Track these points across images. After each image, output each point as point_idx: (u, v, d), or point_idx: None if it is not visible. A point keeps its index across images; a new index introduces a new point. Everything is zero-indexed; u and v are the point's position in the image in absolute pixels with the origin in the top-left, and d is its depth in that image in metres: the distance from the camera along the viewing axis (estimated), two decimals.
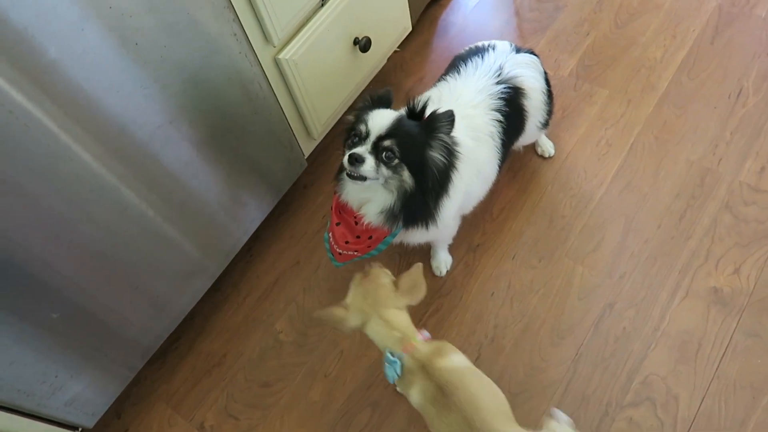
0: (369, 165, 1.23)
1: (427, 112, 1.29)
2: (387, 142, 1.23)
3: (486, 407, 1.10)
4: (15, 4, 0.93)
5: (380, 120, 1.25)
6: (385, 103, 1.33)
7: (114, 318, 1.42)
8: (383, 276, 1.25)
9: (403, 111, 1.32)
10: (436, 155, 1.27)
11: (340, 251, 1.46)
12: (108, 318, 1.40)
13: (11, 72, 0.96)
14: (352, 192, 1.35)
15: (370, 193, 1.32)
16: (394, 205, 1.31)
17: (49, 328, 1.27)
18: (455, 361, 1.17)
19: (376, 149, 1.24)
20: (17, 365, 1.24)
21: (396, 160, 1.25)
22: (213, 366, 1.66)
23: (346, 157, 1.24)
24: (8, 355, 1.22)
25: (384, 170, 1.25)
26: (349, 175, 1.27)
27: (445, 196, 1.32)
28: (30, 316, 1.23)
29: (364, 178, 1.26)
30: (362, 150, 1.24)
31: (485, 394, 1.14)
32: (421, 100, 1.31)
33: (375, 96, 1.34)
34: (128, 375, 1.54)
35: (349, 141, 1.29)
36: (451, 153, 1.28)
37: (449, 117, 1.26)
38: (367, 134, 1.25)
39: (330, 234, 1.48)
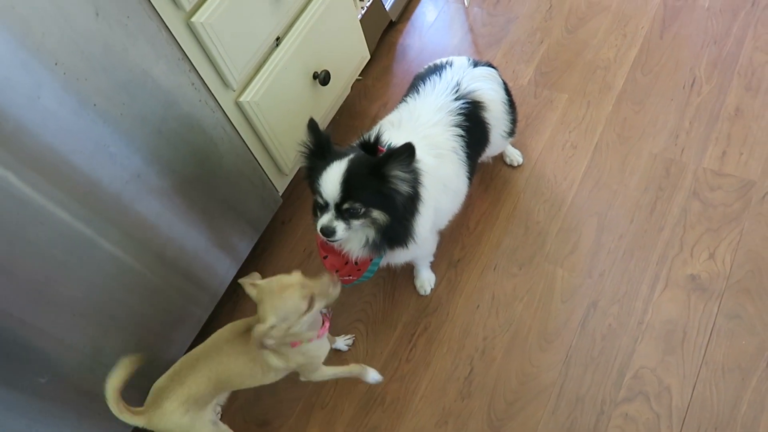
0: (340, 231, 1.28)
1: (383, 140, 1.33)
2: (345, 206, 1.26)
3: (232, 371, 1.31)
4: None
5: (330, 186, 1.26)
6: (324, 147, 1.30)
7: (104, 374, 1.41)
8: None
9: (350, 156, 1.29)
10: (399, 186, 1.27)
11: (338, 278, 1.49)
12: (98, 375, 1.40)
13: None
14: None
15: (347, 233, 1.34)
16: (375, 238, 1.35)
17: (38, 393, 1.27)
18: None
19: (340, 212, 1.27)
20: None
21: (361, 210, 1.28)
22: None
23: (318, 230, 1.29)
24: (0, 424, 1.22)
25: (355, 223, 1.29)
26: (330, 241, 1.31)
27: (416, 214, 1.34)
28: (18, 384, 1.23)
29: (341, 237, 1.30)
30: (328, 220, 1.28)
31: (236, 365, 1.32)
32: (372, 133, 1.33)
33: (311, 145, 1.32)
34: (125, 431, 1.53)
35: (315, 207, 1.33)
36: (414, 175, 1.29)
37: (408, 150, 1.23)
38: (326, 203, 1.28)
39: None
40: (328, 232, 1.28)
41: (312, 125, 1.31)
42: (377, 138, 1.33)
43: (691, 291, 1.57)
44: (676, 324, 1.54)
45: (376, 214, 1.29)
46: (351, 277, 1.49)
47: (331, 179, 1.26)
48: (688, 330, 1.52)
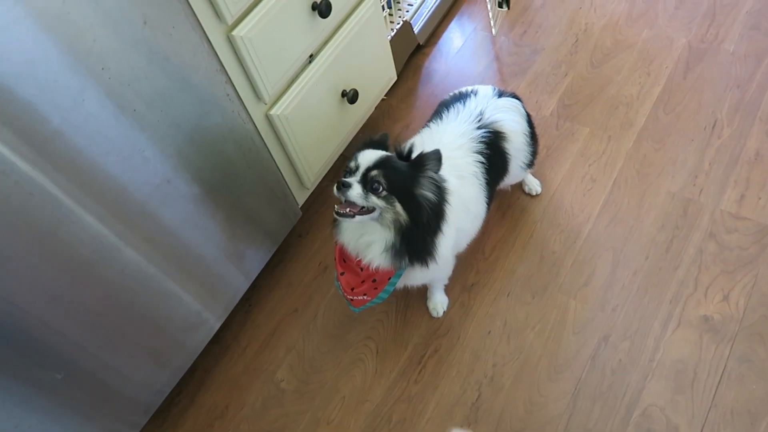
0: (355, 191, 1.28)
1: (414, 155, 1.36)
2: (374, 173, 1.29)
3: None
4: (20, 79, 0.98)
5: (369, 155, 1.33)
6: (381, 146, 1.39)
7: (115, 375, 1.43)
8: None
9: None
10: (427, 192, 1.32)
11: (352, 297, 1.50)
12: (109, 376, 1.42)
13: (17, 143, 1.01)
14: (350, 235, 1.39)
15: (369, 235, 1.36)
16: (395, 242, 1.35)
17: (51, 390, 1.29)
18: None
19: (365, 180, 1.30)
20: (21, 428, 1.25)
21: (384, 192, 1.29)
22: (215, 418, 1.66)
23: (334, 186, 1.30)
24: (12, 419, 1.23)
25: (374, 199, 1.29)
26: (337, 213, 1.31)
27: (439, 233, 1.36)
28: (33, 379, 1.24)
29: (352, 215, 1.30)
30: (351, 179, 1.30)
31: None
32: (406, 144, 1.39)
33: (369, 139, 1.41)
34: None
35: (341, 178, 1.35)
36: (440, 189, 1.35)
37: (436, 155, 1.33)
38: (357, 167, 1.31)
39: (339, 283, 1.51)
40: (345, 185, 1.28)
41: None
42: (410, 150, 1.37)
43: (703, 332, 1.58)
44: (687, 364, 1.54)
45: (399, 209, 1.31)
46: (366, 297, 1.49)
47: (372, 153, 1.33)
48: (699, 371, 1.52)
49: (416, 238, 1.34)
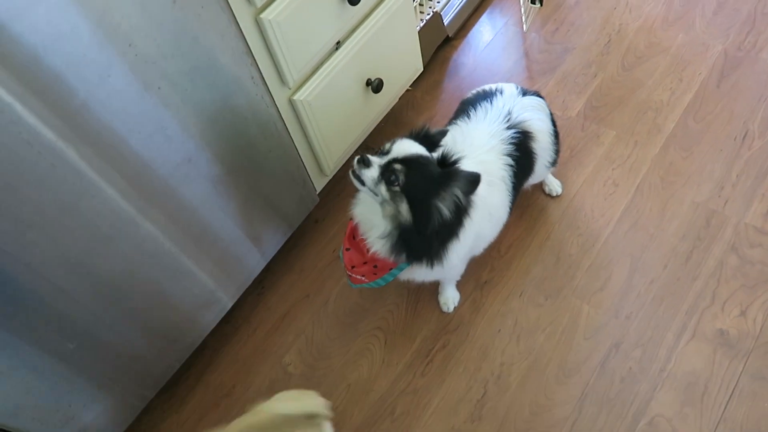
0: (372, 173, 1.27)
1: (456, 166, 1.32)
2: (397, 166, 1.26)
3: None
4: (49, 51, 0.99)
5: (405, 147, 1.29)
6: (434, 142, 1.35)
7: (127, 348, 1.46)
8: None
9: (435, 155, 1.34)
10: (443, 207, 1.28)
11: (350, 274, 1.50)
12: (122, 348, 1.44)
13: (44, 112, 1.02)
14: (362, 209, 1.39)
15: (375, 216, 1.35)
16: (391, 234, 1.33)
17: (65, 358, 1.31)
18: None
19: (387, 169, 1.27)
20: (33, 394, 1.28)
21: (397, 187, 1.27)
22: (222, 397, 1.69)
23: (355, 158, 1.28)
24: (25, 383, 1.26)
25: (383, 189, 1.28)
26: (352, 172, 1.30)
27: (454, 239, 1.35)
28: (47, 346, 1.27)
29: (362, 183, 1.30)
30: (375, 160, 1.28)
31: None
32: (453, 154, 1.33)
33: (426, 130, 1.36)
34: (139, 405, 1.57)
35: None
36: (460, 210, 1.30)
37: (472, 179, 1.26)
38: (388, 152, 1.30)
39: (342, 257, 1.51)
40: (366, 162, 1.27)
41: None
42: (455, 161, 1.31)
43: (717, 346, 1.55)
44: (698, 377, 1.52)
45: (404, 208, 1.28)
46: (363, 278, 1.49)
47: (410, 145, 1.29)
48: (710, 384, 1.50)
49: (415, 241, 1.32)
